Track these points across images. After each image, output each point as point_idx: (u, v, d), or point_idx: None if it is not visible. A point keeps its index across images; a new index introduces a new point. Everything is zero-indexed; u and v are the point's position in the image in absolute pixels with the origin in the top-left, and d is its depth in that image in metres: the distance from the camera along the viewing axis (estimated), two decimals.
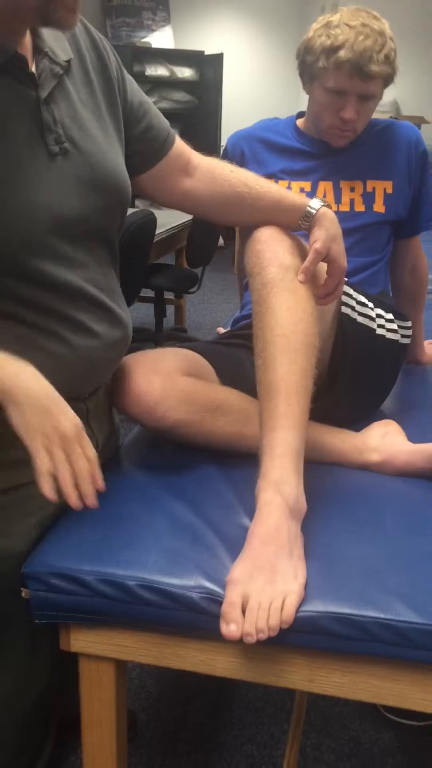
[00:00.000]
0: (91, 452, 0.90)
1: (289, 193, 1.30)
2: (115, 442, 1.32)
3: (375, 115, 1.64)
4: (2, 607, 1.05)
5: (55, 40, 0.99)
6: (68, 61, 1.00)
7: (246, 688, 1.76)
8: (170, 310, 4.40)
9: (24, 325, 0.98)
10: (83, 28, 1.08)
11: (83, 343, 1.04)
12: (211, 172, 1.28)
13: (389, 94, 6.38)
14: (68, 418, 0.88)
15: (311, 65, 1.52)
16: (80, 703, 1.09)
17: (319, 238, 1.21)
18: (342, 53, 1.44)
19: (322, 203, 1.25)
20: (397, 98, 6.54)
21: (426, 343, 1.88)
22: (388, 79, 1.53)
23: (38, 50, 0.96)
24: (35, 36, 0.96)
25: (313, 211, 1.24)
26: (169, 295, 4.14)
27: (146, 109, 1.19)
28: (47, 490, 0.86)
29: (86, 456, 0.89)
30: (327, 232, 1.22)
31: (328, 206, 1.27)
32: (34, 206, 0.94)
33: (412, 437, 1.32)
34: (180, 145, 1.26)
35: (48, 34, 0.98)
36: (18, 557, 1.03)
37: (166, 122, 1.24)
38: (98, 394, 1.19)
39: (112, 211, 1.08)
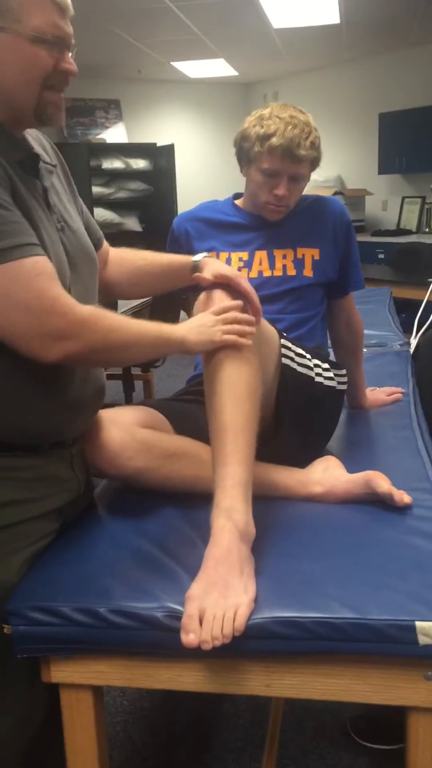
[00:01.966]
0: None
1: (177, 256, 1.55)
2: (92, 487, 1.47)
3: (322, 191, 1.87)
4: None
5: (40, 148, 1.29)
6: (53, 164, 1.30)
7: (227, 731, 1.84)
8: (139, 385, 4.55)
9: (26, 376, 1.17)
10: (49, 144, 1.37)
11: (72, 390, 1.25)
12: (119, 257, 1.55)
13: (335, 171, 6.82)
14: None
15: (248, 151, 1.75)
16: (64, 732, 1.18)
17: (204, 273, 1.40)
18: (274, 140, 1.68)
19: (205, 255, 1.48)
20: (341, 174, 6.97)
21: (368, 390, 2.05)
22: (314, 162, 1.77)
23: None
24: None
25: (198, 261, 1.46)
26: (136, 371, 4.31)
27: (87, 213, 1.45)
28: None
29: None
30: (208, 268, 1.41)
31: (211, 255, 1.50)
32: (62, 266, 1.20)
33: (354, 471, 1.47)
34: (105, 244, 1.53)
35: (35, 143, 1.27)
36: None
37: (97, 226, 1.50)
38: (78, 443, 1.34)
39: (95, 278, 1.36)
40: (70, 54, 1.17)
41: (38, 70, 1.13)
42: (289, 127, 1.68)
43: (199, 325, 1.30)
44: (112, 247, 1.56)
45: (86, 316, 1.13)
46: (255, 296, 1.38)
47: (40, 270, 1.09)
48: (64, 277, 1.20)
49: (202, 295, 1.38)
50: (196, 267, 1.45)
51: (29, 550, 1.22)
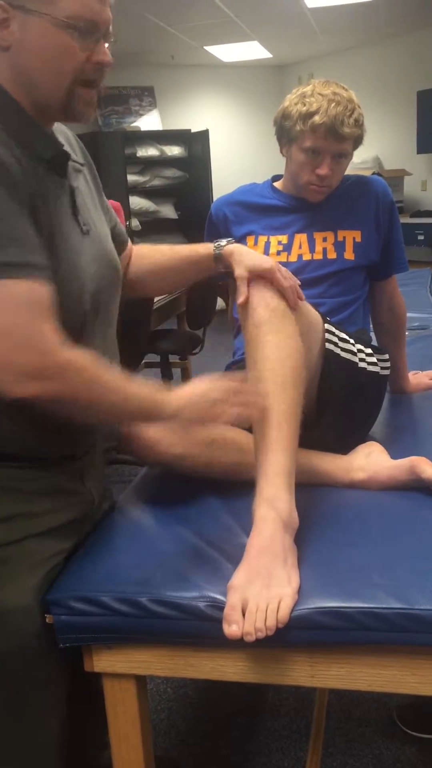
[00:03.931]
0: None
1: (197, 246, 1.46)
2: (110, 497, 1.38)
3: (359, 172, 1.81)
4: (25, 666, 1.10)
5: (68, 145, 1.18)
6: (81, 162, 1.20)
7: (272, 719, 1.83)
8: (177, 373, 4.55)
9: None
10: (75, 139, 1.26)
11: None
12: (139, 255, 1.47)
13: (372, 151, 6.70)
14: None
15: (289, 129, 1.70)
16: (107, 721, 1.18)
17: (237, 269, 1.35)
18: (317, 118, 1.64)
19: (228, 241, 1.41)
20: (379, 155, 6.84)
21: (410, 374, 2.00)
22: (357, 140, 1.72)
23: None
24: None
25: (221, 251, 1.39)
26: (174, 359, 4.30)
27: (113, 215, 1.37)
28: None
29: None
30: (241, 263, 1.35)
31: (233, 241, 1.42)
32: (81, 276, 1.10)
33: (397, 457, 1.43)
34: (129, 243, 1.45)
35: (61, 137, 1.17)
36: (30, 612, 1.09)
37: (122, 228, 1.42)
38: (91, 454, 1.26)
39: (117, 285, 1.25)
40: (106, 44, 1.06)
41: (69, 60, 1.02)
42: (333, 104, 1.64)
43: (199, 401, 1.13)
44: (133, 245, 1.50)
45: (67, 360, 1.00)
46: (291, 292, 1.33)
47: (33, 298, 0.98)
48: (82, 285, 1.10)
49: (240, 297, 1.33)
50: (219, 257, 1.39)
51: (40, 572, 1.12)
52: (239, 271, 1.34)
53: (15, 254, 0.96)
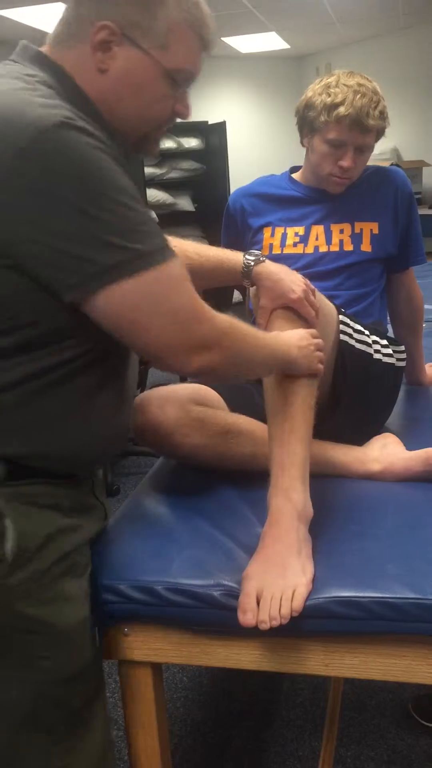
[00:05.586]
0: None
1: (227, 255, 1.41)
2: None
3: (378, 163, 1.81)
4: None
5: None
6: None
7: (287, 709, 1.84)
8: None
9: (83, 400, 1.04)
10: None
11: (122, 415, 1.13)
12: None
13: (390, 142, 6.65)
14: None
15: (312, 120, 1.69)
16: (123, 708, 1.19)
17: (262, 298, 1.34)
18: (342, 109, 1.62)
19: (256, 258, 1.36)
20: (397, 146, 6.79)
21: (427, 366, 2.00)
22: (381, 132, 1.71)
23: None
24: None
25: (249, 268, 1.35)
26: None
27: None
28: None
29: None
30: (267, 292, 1.33)
31: (262, 260, 1.36)
32: None
33: (413, 448, 1.43)
34: None
35: None
36: (85, 625, 1.08)
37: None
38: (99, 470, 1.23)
39: None
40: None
41: (159, 109, 1.04)
42: (358, 95, 1.62)
43: (305, 347, 1.24)
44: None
45: (227, 325, 1.04)
46: (315, 321, 1.33)
47: (186, 275, 1.00)
48: None
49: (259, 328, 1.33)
50: (248, 274, 1.36)
51: (84, 583, 1.09)
52: (264, 302, 1.33)
53: (163, 237, 0.98)
